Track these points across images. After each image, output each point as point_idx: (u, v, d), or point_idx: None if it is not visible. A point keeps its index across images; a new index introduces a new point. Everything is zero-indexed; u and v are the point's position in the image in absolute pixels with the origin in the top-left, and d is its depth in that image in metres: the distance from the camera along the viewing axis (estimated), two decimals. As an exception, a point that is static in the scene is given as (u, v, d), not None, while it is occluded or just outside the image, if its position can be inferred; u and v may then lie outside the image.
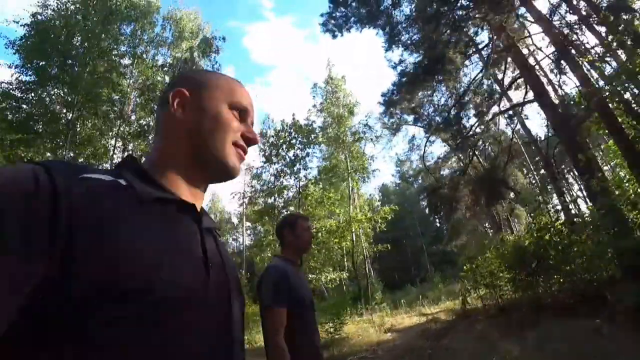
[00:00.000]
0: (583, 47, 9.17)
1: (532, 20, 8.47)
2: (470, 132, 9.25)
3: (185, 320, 0.46)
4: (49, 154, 9.84)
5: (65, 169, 0.45)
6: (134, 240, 0.44)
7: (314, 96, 18.62)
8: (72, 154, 9.96)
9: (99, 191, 0.45)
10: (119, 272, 0.41)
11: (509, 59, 9.07)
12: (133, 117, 12.08)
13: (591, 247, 5.36)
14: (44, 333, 0.38)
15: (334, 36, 10.56)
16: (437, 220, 24.87)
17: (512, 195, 9.65)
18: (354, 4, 10.13)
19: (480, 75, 9.46)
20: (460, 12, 8.37)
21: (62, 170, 0.44)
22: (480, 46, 9.87)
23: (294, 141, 14.56)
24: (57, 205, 0.40)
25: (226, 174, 0.61)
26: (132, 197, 0.48)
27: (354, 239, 14.33)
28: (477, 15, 8.21)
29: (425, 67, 8.63)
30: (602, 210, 5.48)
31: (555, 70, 9.93)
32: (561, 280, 5.56)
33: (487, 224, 17.83)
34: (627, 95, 6.90)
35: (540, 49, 9.78)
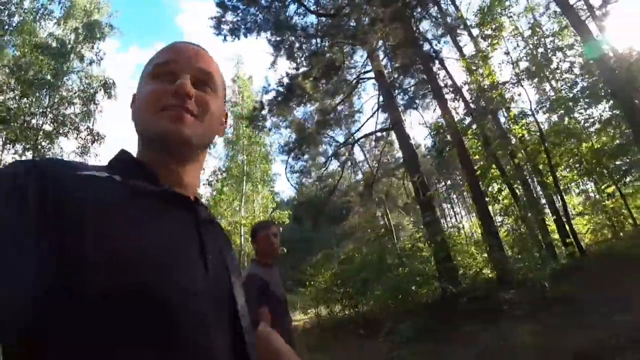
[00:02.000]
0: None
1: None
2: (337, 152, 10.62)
3: (187, 317, 0.45)
4: None
5: (58, 167, 0.45)
6: (130, 240, 0.44)
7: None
8: None
9: (93, 188, 0.45)
10: (116, 274, 0.40)
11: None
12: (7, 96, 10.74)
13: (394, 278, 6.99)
14: (44, 333, 0.38)
15: (225, 40, 10.60)
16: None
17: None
18: (241, 9, 10.38)
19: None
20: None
21: (55, 169, 0.44)
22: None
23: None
24: (47, 207, 0.40)
25: (165, 141, 0.54)
26: (126, 192, 0.48)
27: (242, 243, 15.09)
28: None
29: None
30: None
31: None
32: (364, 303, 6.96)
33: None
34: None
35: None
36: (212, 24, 10.57)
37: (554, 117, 10.74)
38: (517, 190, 10.65)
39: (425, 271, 6.55)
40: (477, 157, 11.09)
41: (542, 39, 9.49)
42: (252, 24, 10.59)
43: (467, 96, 10.38)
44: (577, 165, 10.34)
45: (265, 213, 16.72)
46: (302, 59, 10.50)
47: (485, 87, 10.13)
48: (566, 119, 9.87)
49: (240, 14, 10.62)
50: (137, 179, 0.51)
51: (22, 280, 0.37)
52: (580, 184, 11.80)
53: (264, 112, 9.95)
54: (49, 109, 10.99)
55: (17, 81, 10.80)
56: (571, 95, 9.41)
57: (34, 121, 10.92)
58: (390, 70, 10.79)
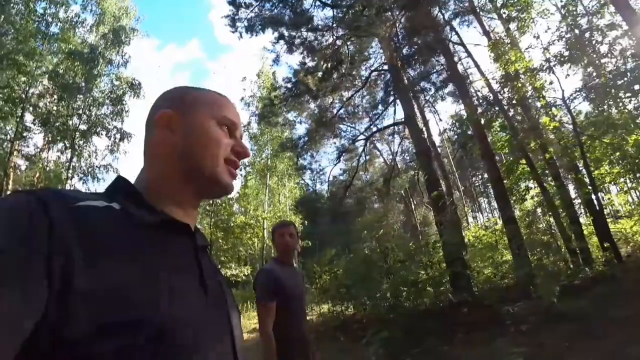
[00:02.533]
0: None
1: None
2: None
3: (189, 347, 0.46)
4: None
5: (59, 199, 0.45)
6: (130, 270, 0.44)
7: (244, 88, 18.79)
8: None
9: (94, 219, 0.45)
10: (117, 306, 0.41)
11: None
12: (41, 103, 11.81)
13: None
14: None
15: (241, 37, 10.55)
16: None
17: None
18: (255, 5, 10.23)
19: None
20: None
21: (56, 202, 0.44)
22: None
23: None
24: (52, 242, 0.40)
25: (220, 192, 0.61)
26: (127, 222, 0.49)
27: (266, 236, 15.46)
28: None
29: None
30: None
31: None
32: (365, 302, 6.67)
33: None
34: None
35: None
36: (227, 22, 10.70)
37: (590, 108, 9.55)
38: (548, 188, 9.70)
39: (419, 278, 6.17)
40: (503, 150, 10.21)
41: (578, 20, 8.38)
42: (266, 21, 10.55)
43: (493, 85, 9.55)
44: (621, 160, 9.11)
45: (285, 210, 16.85)
46: (315, 53, 10.30)
47: (514, 74, 9.22)
48: (607, 108, 8.69)
49: (255, 10, 10.62)
50: (136, 207, 0.52)
51: (20, 325, 0.37)
52: (627, 181, 10.43)
53: (274, 108, 9.93)
54: (82, 111, 11.87)
55: (55, 86, 11.80)
56: (614, 81, 8.25)
57: (70, 122, 11.89)
58: (403, 60, 10.20)
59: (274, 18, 10.30)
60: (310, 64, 9.37)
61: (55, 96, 11.89)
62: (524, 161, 9.96)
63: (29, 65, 11.31)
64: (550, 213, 9.39)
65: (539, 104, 9.47)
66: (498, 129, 10.20)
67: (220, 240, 14.87)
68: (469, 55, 10.43)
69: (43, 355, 0.38)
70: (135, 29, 13.49)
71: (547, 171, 9.92)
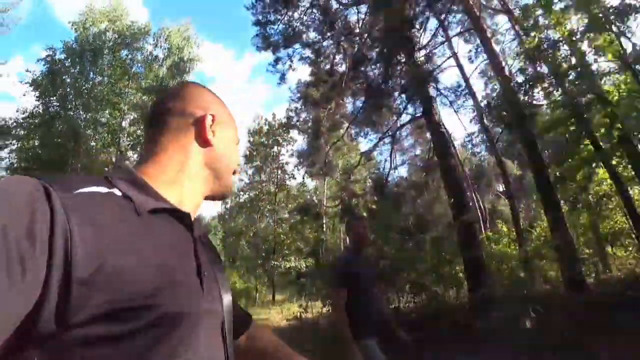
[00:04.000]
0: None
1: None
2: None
3: (183, 334, 0.47)
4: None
5: (61, 185, 0.44)
6: (131, 257, 0.44)
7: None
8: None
9: (95, 206, 0.45)
10: (116, 294, 0.41)
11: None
12: (130, 130, 14.70)
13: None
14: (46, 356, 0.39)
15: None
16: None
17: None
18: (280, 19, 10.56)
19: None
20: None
21: (57, 189, 0.43)
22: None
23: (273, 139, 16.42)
24: (54, 233, 0.40)
25: (224, 197, 0.72)
26: (128, 208, 0.49)
27: (325, 229, 16.22)
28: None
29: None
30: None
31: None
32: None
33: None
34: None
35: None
36: (256, 43, 11.15)
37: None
38: (619, 174, 7.98)
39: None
40: (554, 132, 8.63)
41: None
42: (294, 31, 10.95)
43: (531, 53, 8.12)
44: None
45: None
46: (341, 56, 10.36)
47: (563, 35, 7.77)
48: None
49: (281, 25, 11.10)
50: (138, 194, 0.52)
51: (19, 309, 0.37)
52: None
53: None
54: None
55: (140, 117, 14.53)
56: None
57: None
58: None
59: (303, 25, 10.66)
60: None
61: (141, 124, 14.60)
62: (586, 141, 8.35)
63: (120, 102, 14.23)
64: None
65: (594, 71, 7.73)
66: (550, 105, 8.70)
67: (282, 235, 16.23)
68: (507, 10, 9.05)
69: (43, 339, 0.39)
70: (194, 59, 15.53)
71: (618, 152, 8.13)
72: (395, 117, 9.60)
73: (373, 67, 9.80)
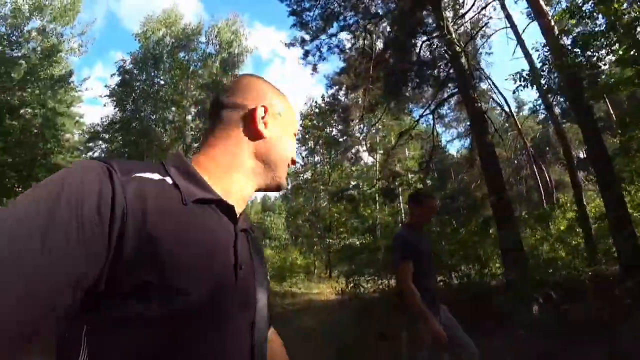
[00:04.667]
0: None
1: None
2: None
3: (208, 326, 0.49)
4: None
5: (122, 168, 0.49)
6: (173, 243, 0.47)
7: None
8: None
9: (147, 191, 0.49)
10: (155, 272, 0.45)
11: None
12: (193, 125, 16.29)
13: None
14: (86, 327, 0.44)
15: None
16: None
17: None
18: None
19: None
20: None
21: (120, 170, 0.48)
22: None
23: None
24: (114, 209, 0.45)
25: (276, 190, 0.71)
26: (176, 196, 0.52)
27: (377, 208, 16.38)
28: None
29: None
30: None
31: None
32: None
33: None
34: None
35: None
36: (294, 35, 11.50)
37: None
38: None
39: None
40: (621, 91, 7.47)
41: None
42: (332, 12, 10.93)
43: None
44: None
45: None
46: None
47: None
48: None
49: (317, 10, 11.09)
50: (187, 184, 0.55)
51: (80, 278, 0.42)
52: None
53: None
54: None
55: (199, 112, 15.97)
56: None
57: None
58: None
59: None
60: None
61: (203, 119, 16.10)
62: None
63: (182, 100, 15.79)
64: None
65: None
66: (614, 63, 7.57)
67: (336, 214, 16.81)
68: None
69: (92, 305, 0.44)
70: (243, 52, 16.39)
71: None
72: (432, 92, 9.25)
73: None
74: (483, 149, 7.34)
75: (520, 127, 13.12)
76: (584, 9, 6.94)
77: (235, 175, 0.63)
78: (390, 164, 11.09)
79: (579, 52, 7.43)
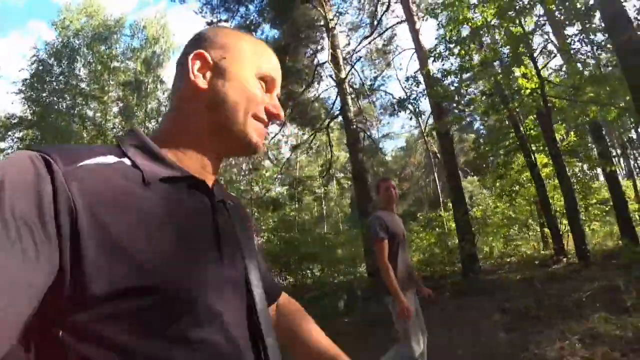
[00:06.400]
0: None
1: None
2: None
3: (200, 310, 0.46)
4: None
5: (65, 157, 0.43)
6: (137, 230, 0.43)
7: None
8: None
9: (99, 179, 0.43)
10: (126, 271, 0.40)
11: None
12: (117, 121, 15.95)
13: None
14: (53, 332, 0.39)
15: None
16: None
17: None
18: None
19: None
20: None
21: (62, 160, 0.42)
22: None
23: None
24: (59, 208, 0.39)
25: (247, 151, 0.59)
26: (137, 178, 0.47)
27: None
28: None
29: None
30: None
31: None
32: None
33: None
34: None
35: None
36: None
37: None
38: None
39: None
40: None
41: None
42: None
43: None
44: None
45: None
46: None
47: None
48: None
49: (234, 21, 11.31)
50: (149, 162, 0.49)
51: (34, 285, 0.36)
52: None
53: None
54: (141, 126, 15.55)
55: (121, 109, 15.61)
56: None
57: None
58: None
59: None
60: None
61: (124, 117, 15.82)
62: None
63: (103, 96, 15.36)
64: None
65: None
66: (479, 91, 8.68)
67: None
68: None
69: (59, 313, 0.39)
70: (170, 48, 16.14)
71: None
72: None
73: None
74: (356, 162, 8.39)
75: (425, 136, 14.42)
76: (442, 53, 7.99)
77: (195, 143, 0.56)
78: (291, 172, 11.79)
79: (446, 83, 8.50)
